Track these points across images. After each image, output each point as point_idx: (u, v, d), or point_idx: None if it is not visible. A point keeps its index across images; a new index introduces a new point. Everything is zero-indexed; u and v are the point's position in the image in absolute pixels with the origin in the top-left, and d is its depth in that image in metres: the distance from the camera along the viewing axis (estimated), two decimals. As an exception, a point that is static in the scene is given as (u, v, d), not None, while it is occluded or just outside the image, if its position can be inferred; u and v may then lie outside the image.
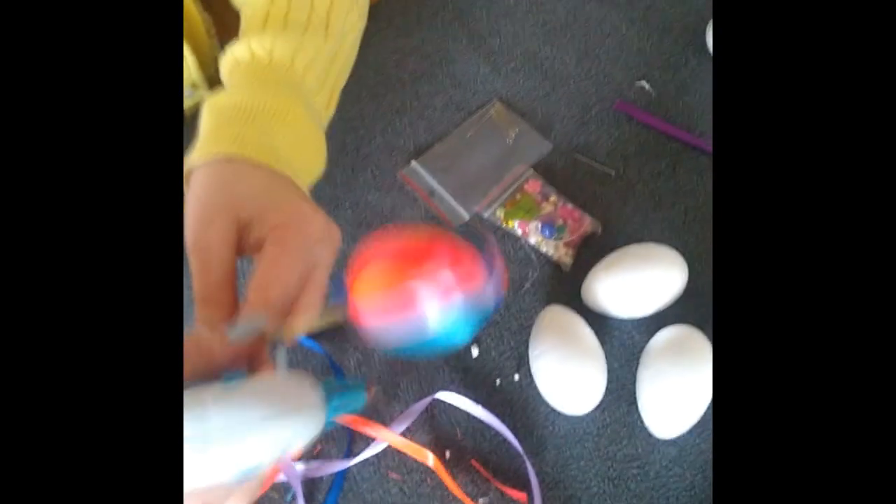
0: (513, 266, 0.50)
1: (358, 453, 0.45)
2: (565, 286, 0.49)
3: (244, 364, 0.31)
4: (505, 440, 0.45)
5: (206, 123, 0.37)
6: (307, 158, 0.39)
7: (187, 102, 0.62)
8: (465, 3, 0.63)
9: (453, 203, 0.53)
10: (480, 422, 0.45)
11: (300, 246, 0.33)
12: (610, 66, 0.59)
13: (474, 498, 0.43)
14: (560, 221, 0.50)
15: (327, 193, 0.56)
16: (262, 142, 0.35)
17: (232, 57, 0.40)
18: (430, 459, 0.44)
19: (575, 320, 0.44)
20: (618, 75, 0.58)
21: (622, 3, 0.63)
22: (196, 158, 0.35)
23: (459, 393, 0.46)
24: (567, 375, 0.42)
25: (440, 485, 0.44)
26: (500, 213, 0.51)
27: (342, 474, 0.45)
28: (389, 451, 0.45)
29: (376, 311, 0.33)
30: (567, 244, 0.50)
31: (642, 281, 0.45)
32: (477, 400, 0.45)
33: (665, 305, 0.46)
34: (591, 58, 0.59)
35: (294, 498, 0.45)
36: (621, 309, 0.46)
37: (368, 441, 0.45)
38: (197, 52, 0.60)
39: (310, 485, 0.45)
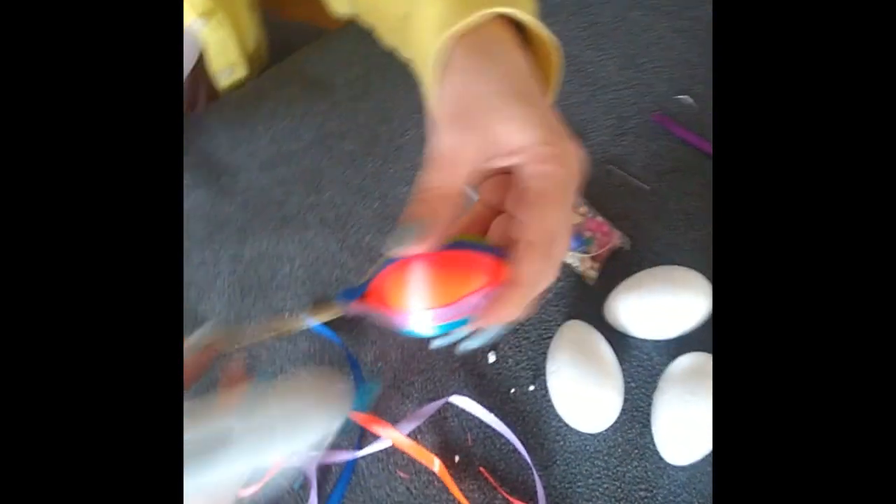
0: (537, 275, 0.50)
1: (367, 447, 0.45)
2: (588, 300, 0.48)
3: None
4: (515, 450, 0.45)
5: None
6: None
7: (225, 82, 0.62)
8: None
9: (481, 204, 0.52)
10: (492, 429, 0.45)
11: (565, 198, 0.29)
12: (653, 76, 0.58)
13: (480, 505, 0.44)
14: (588, 234, 0.50)
15: (356, 183, 0.55)
16: None
17: None
18: (435, 465, 0.44)
19: (595, 337, 0.44)
20: (660, 86, 0.57)
21: (670, 11, 0.61)
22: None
23: (473, 398, 0.46)
24: (583, 393, 0.42)
25: (446, 489, 0.44)
26: (529, 220, 0.51)
27: (351, 466, 0.46)
28: (398, 453, 0.46)
29: (421, 318, 0.30)
30: (594, 258, 0.49)
31: (667, 304, 0.44)
32: (490, 407, 0.45)
33: (688, 330, 0.45)
34: (634, 66, 0.58)
35: (302, 485, 0.45)
36: (643, 330, 0.45)
37: (377, 437, 0.46)
38: (237, 28, 0.59)
39: (318, 474, 0.46)
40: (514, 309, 0.29)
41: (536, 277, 0.29)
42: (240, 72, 0.61)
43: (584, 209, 0.51)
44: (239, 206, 0.56)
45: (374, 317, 0.31)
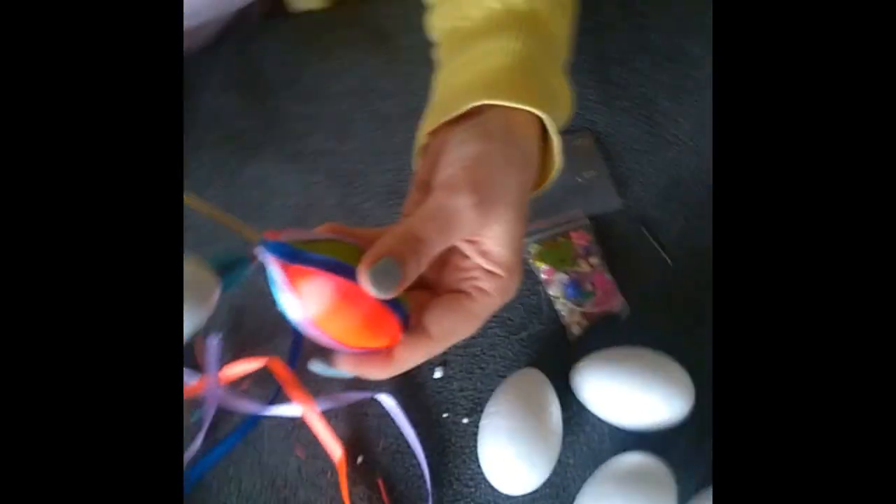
0: (518, 308, 0.46)
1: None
2: (560, 355, 0.44)
3: None
4: (421, 477, 0.41)
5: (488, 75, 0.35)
6: (561, 104, 0.37)
7: (301, 4, 0.59)
8: (609, 17, 0.57)
9: (495, 215, 0.48)
10: (407, 445, 0.42)
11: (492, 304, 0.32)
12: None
13: (361, 516, 0.40)
14: (589, 287, 0.45)
15: (379, 147, 0.52)
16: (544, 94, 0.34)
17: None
18: (337, 454, 0.41)
19: (549, 396, 0.40)
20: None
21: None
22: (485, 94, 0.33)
23: (402, 407, 0.42)
24: (512, 448, 0.38)
25: (336, 485, 0.41)
26: (533, 249, 0.46)
27: (252, 422, 0.43)
28: (306, 428, 0.42)
29: (318, 335, 0.29)
30: (585, 314, 0.44)
31: (640, 393, 0.39)
32: (416, 423, 0.42)
33: (651, 427, 0.40)
34: (708, 133, 0.53)
35: (200, 421, 0.42)
36: (604, 409, 0.41)
37: (290, 402, 0.42)
38: None
39: (218, 417, 0.43)
40: (381, 376, 0.31)
41: (412, 363, 0.31)
42: (318, 1, 0.59)
43: (595, 261, 0.46)
44: (259, 124, 0.53)
45: (277, 288, 0.28)
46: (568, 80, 0.39)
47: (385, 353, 0.31)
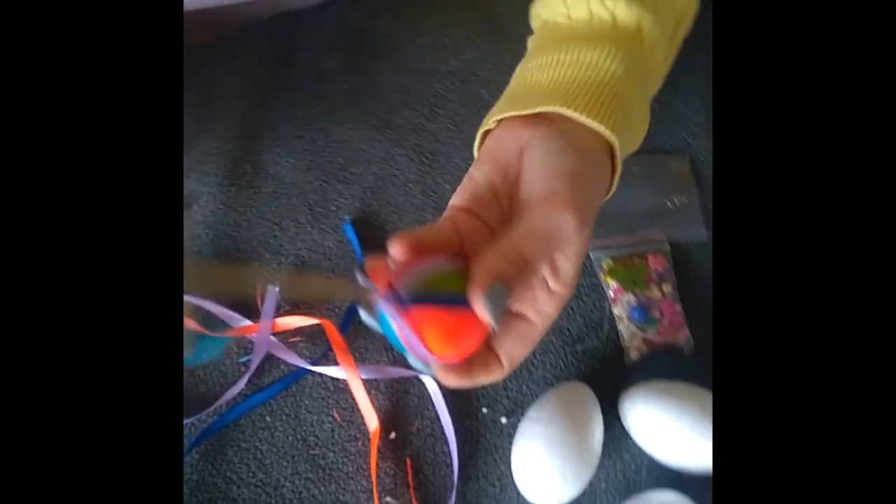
0: (578, 320, 0.44)
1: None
2: (612, 376, 0.42)
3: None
4: (449, 466, 0.41)
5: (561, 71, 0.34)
6: (634, 139, 0.37)
7: None
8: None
9: (572, 222, 0.47)
10: (441, 432, 0.41)
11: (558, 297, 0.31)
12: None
13: (384, 491, 0.40)
14: (657, 314, 0.43)
15: (469, 134, 0.51)
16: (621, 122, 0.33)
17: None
18: (372, 425, 0.41)
19: (593, 414, 0.39)
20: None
21: None
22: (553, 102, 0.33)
23: (443, 393, 0.42)
24: (546, 458, 0.37)
25: (365, 455, 0.41)
26: (605, 265, 0.45)
27: (297, 375, 0.43)
28: (346, 393, 0.43)
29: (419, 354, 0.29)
30: (646, 340, 0.43)
31: (688, 433, 0.38)
32: (453, 410, 0.41)
33: (692, 469, 0.39)
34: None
35: (247, 364, 0.43)
36: (648, 441, 0.39)
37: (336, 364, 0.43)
38: None
39: (264, 364, 0.44)
40: (453, 385, 0.30)
41: (482, 383, 0.31)
42: None
43: (668, 288, 0.44)
44: (355, 88, 0.54)
45: (396, 331, 0.28)
46: (649, 111, 0.37)
47: (466, 369, 0.30)
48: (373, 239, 0.47)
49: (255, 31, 0.57)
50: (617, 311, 0.44)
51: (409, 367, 0.43)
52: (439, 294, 0.27)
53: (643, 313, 0.43)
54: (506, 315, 0.30)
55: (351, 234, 0.48)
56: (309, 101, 0.53)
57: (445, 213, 0.32)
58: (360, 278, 0.28)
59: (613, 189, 0.35)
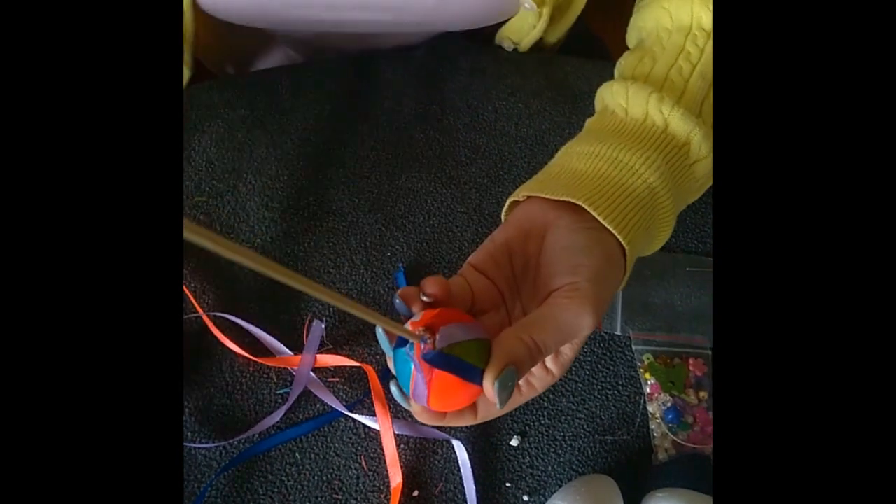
0: (611, 410, 0.45)
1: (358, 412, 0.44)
2: (638, 473, 0.43)
3: None
4: (466, 535, 0.41)
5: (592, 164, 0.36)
6: (651, 246, 0.40)
7: (523, 41, 0.60)
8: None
9: (619, 309, 0.48)
10: (462, 498, 0.42)
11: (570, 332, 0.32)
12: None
13: (400, 550, 0.41)
14: (690, 419, 0.44)
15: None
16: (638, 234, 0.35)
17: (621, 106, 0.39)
18: (396, 480, 0.42)
19: (618, 513, 0.39)
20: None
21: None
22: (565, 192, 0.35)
23: (472, 463, 0.42)
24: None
25: (386, 510, 0.42)
26: (647, 360, 0.46)
27: (333, 416, 0.44)
28: (376, 442, 0.43)
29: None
30: (676, 443, 0.44)
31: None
32: (477, 481, 0.42)
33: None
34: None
35: (285, 397, 0.44)
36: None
37: (373, 414, 0.44)
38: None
39: (301, 399, 0.44)
40: (460, 424, 0.34)
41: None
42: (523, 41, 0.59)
43: (704, 395, 0.45)
44: (426, 138, 0.55)
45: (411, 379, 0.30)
46: (674, 224, 0.39)
47: (441, 414, 0.32)
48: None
49: (343, 63, 0.58)
50: (651, 408, 0.45)
51: (441, 429, 0.43)
52: (458, 362, 0.29)
53: (677, 416, 0.44)
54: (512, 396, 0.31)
55: (402, 282, 0.49)
56: (380, 144, 0.54)
57: (461, 270, 0.34)
58: (402, 315, 0.30)
59: (622, 286, 0.37)
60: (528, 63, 0.59)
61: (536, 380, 0.33)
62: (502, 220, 0.38)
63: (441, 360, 0.29)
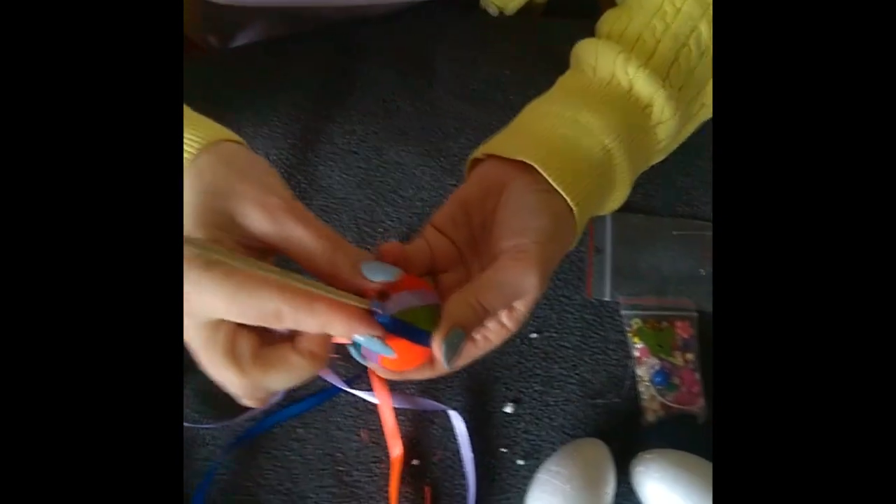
0: (601, 374, 0.47)
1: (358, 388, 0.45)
2: (628, 435, 0.45)
3: None
4: (465, 499, 0.43)
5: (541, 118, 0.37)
6: (606, 206, 0.41)
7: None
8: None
9: (607, 275, 0.49)
10: (460, 465, 0.44)
11: (520, 288, 0.33)
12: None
13: (402, 515, 0.43)
14: (677, 381, 0.46)
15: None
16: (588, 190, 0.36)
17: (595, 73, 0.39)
18: (396, 451, 0.44)
19: (609, 476, 0.41)
20: None
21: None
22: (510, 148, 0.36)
23: (469, 431, 0.44)
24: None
25: (387, 477, 0.43)
26: (635, 324, 0.47)
27: (333, 392, 0.46)
28: (375, 415, 0.45)
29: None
30: (664, 405, 0.45)
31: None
32: (473, 448, 0.44)
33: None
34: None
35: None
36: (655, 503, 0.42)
37: (370, 388, 0.45)
38: None
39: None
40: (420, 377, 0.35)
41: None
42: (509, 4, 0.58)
43: (691, 357, 0.46)
44: (413, 110, 0.54)
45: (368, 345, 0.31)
46: (631, 184, 0.40)
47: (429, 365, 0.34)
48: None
49: (326, 35, 0.57)
50: (640, 371, 0.46)
51: (438, 400, 0.45)
52: (407, 327, 0.31)
53: (665, 378, 0.46)
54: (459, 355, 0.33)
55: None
56: (367, 118, 0.54)
57: (422, 231, 0.36)
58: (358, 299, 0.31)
59: (572, 246, 0.38)
60: (515, 28, 0.58)
61: (492, 334, 0.35)
62: (465, 176, 0.39)
63: (391, 324, 0.31)
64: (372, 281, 0.30)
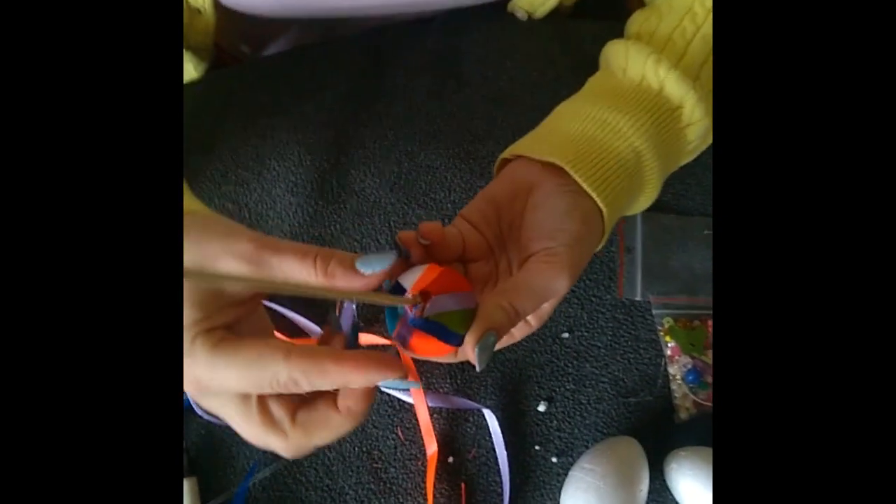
0: (634, 372, 0.47)
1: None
2: (660, 433, 0.45)
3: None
4: (500, 495, 0.44)
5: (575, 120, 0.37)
6: (635, 207, 0.41)
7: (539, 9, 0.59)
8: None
9: (638, 275, 0.49)
10: (495, 462, 0.45)
11: (550, 289, 0.33)
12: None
13: (438, 511, 0.44)
14: (709, 380, 0.46)
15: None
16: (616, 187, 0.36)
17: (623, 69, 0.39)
18: (432, 448, 0.44)
19: (643, 474, 0.42)
20: None
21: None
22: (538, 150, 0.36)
23: (503, 429, 0.45)
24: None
25: (423, 474, 0.44)
26: (667, 323, 0.47)
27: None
28: (411, 413, 0.46)
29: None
30: (696, 403, 0.45)
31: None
32: (508, 444, 0.45)
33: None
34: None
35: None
36: (688, 501, 0.42)
37: (407, 389, 0.46)
38: None
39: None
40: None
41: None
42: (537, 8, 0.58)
43: (724, 355, 0.47)
44: (443, 114, 0.55)
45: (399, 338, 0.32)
46: (660, 185, 0.40)
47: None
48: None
49: (356, 42, 0.58)
50: (672, 370, 0.47)
51: (470, 398, 0.46)
52: (441, 329, 0.32)
53: (697, 376, 0.46)
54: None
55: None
56: (398, 122, 0.55)
57: (455, 221, 0.36)
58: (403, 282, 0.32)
59: (601, 246, 0.38)
60: (543, 30, 0.59)
61: (516, 330, 0.35)
62: (493, 174, 0.39)
63: (425, 325, 0.31)
64: (372, 274, 0.29)
